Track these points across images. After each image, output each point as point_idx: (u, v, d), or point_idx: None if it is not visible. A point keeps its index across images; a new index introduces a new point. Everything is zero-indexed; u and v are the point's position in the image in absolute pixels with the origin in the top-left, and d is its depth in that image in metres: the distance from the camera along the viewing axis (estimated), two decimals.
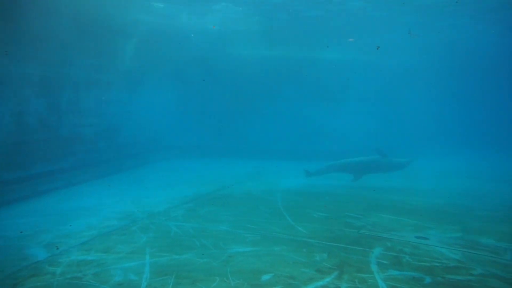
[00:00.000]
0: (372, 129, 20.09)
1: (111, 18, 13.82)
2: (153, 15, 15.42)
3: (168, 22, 16.15)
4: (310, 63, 20.25)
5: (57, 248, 6.29)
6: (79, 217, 8.21)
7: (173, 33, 17.17)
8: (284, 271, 5.34)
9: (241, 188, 11.53)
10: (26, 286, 4.90)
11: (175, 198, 10.02)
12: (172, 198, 10.08)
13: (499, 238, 6.92)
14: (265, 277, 5.12)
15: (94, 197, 10.16)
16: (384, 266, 5.52)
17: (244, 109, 20.01)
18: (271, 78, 19.76)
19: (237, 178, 13.15)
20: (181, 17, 15.58)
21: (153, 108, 17.09)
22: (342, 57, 20.97)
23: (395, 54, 21.15)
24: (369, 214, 8.53)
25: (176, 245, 6.47)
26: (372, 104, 21.37)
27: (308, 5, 14.20)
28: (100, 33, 13.52)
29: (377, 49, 16.10)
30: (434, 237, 6.92)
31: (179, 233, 7.09)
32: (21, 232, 7.16)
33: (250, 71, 18.92)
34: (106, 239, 6.77)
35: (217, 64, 19.22)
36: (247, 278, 5.10)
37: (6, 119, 9.78)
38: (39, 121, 10.92)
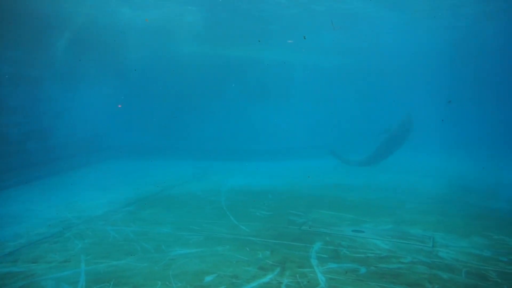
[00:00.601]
0: (314, 127, 20.85)
1: (42, 7, 12.81)
2: (92, 8, 14.56)
3: (108, 15, 15.33)
4: (253, 63, 20.50)
5: None
6: (4, 226, 7.52)
7: (114, 27, 16.36)
8: (227, 270, 5.34)
9: (185, 189, 11.33)
10: None
11: (114, 201, 9.57)
12: (112, 201, 9.62)
13: (425, 228, 7.55)
14: (208, 278, 5.08)
15: (22, 203, 9.37)
16: (324, 260, 5.76)
17: (189, 108, 19.69)
18: (216, 76, 19.67)
19: (182, 179, 12.91)
20: (123, 11, 14.86)
21: (91, 106, 16.14)
22: (283, 58, 21.47)
23: (332, 54, 22.11)
24: (310, 211, 8.84)
25: (115, 250, 6.19)
26: (314, 102, 22.17)
27: (253, 4, 14.35)
28: (28, 23, 12.47)
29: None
30: (369, 230, 7.36)
31: (118, 238, 6.78)
32: None
33: (194, 69, 18.66)
34: (35, 248, 6.28)
35: (160, 60, 18.69)
36: (190, 280, 5.03)
37: None
38: None
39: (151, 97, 19.33)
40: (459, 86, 25.21)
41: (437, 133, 22.02)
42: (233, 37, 18.80)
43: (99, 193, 10.66)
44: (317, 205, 9.37)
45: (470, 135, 22.81)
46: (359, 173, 14.46)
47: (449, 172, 14.81)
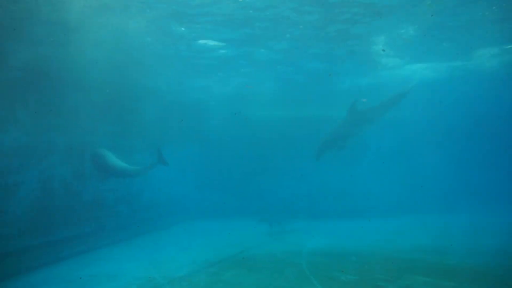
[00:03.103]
0: (392, 185, 19.69)
1: (132, 87, 14.69)
2: (180, 85, 16.32)
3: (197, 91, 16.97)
4: (325, 122, 20.59)
5: None
6: (100, 284, 7.99)
7: (192, 100, 18.04)
8: None
9: (264, 250, 11.13)
10: None
11: (196, 262, 9.71)
12: (194, 261, 9.77)
13: None
14: None
15: (114, 262, 9.96)
16: None
17: (264, 168, 20.07)
18: (290, 137, 20.05)
19: (260, 239, 12.76)
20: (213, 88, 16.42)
21: (171, 171, 17.34)
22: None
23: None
24: (401, 276, 8.00)
25: None
26: (391, 159, 21.16)
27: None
28: (124, 102, 14.30)
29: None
30: None
31: None
32: None
33: (267, 131, 19.32)
34: None
35: (234, 124, 19.79)
36: None
37: (33, 185, 10.05)
38: (63, 187, 11.17)
39: (228, 159, 20.20)
40: None
41: None
42: (305, 98, 19.37)
43: (182, 253, 10.94)
44: (409, 270, 8.46)
45: None
46: (458, 232, 12.97)
47: None
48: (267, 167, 20.17)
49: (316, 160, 12.27)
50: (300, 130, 20.05)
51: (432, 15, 10.74)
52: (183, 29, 10.63)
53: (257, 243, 12.14)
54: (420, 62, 15.01)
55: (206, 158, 20.17)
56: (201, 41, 11.27)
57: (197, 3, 9.31)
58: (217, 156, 20.32)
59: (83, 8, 8.68)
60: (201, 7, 9.48)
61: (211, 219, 17.58)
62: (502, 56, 15.53)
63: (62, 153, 11.15)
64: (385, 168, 20.52)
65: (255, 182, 20.02)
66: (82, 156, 11.96)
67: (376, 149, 21.00)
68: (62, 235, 10.91)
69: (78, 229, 11.56)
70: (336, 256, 10.08)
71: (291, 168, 20.21)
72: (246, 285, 7.57)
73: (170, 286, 7.68)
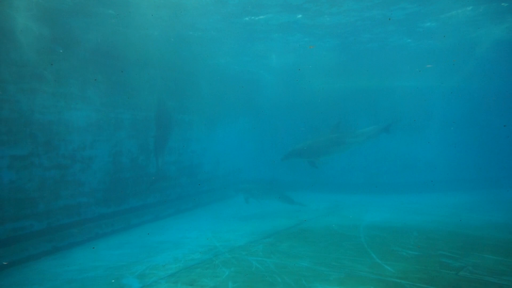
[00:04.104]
0: (458, 158, 18.42)
1: (191, 63, 15.08)
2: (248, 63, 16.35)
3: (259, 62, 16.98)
4: (385, 92, 19.57)
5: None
6: (165, 250, 8.62)
7: (248, 72, 18.09)
8: None
9: (320, 222, 11.18)
10: None
11: (254, 233, 10.05)
12: (251, 232, 10.13)
13: None
14: None
15: (178, 231, 10.66)
16: None
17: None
18: (347, 109, 19.45)
19: (316, 213, 12.81)
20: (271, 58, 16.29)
21: (228, 144, 17.80)
22: (420, 84, 19.90)
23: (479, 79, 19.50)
24: (468, 253, 7.60)
25: (258, 281, 6.40)
26: (456, 131, 19.68)
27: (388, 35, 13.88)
28: (182, 77, 14.79)
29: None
30: None
31: (260, 269, 7.02)
32: (118, 262, 7.73)
33: (324, 102, 18.88)
34: (191, 272, 6.97)
35: (291, 97, 19.61)
36: None
37: (105, 159, 10.95)
38: (131, 160, 12.02)
39: (282, 132, 20.22)
40: None
41: None
42: (364, 69, 18.48)
43: (240, 224, 11.38)
44: (477, 248, 8.01)
45: None
46: None
47: None
48: None
49: (281, 160, 12.10)
50: (357, 102, 19.36)
51: None
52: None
53: (314, 216, 12.20)
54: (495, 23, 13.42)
55: (262, 131, 20.39)
56: (262, 16, 11.05)
57: None
58: (273, 128, 20.43)
59: None
60: None
61: None
62: None
63: (128, 128, 11.93)
64: (453, 138, 19.18)
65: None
66: (147, 131, 12.70)
67: (441, 117, 19.63)
68: (131, 204, 11.87)
69: (144, 200, 12.48)
70: (396, 230, 9.82)
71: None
72: (302, 256, 7.70)
73: (230, 254, 8.07)
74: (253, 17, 11.29)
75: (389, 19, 11.78)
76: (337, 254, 7.83)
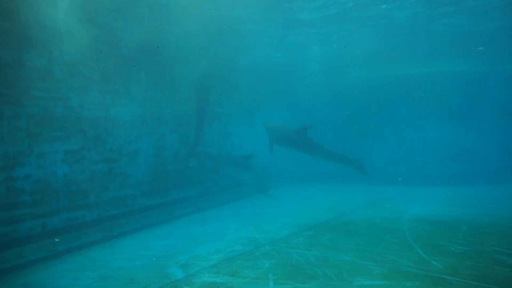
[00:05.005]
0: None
1: (231, 56, 15.21)
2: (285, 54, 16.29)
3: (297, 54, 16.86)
4: (429, 79, 18.61)
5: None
6: (207, 241, 8.85)
7: (290, 63, 17.93)
8: None
9: (361, 215, 10.94)
10: None
11: (293, 225, 10.04)
12: (291, 224, 10.12)
13: None
14: None
15: (219, 222, 10.88)
16: None
17: (360, 131, 19.35)
18: (388, 97, 18.76)
19: (356, 205, 12.55)
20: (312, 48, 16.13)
21: (265, 137, 17.81)
22: (468, 69, 18.70)
23: None
24: None
25: (299, 273, 6.40)
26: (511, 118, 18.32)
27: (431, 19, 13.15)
28: (221, 71, 14.95)
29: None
30: None
31: (300, 261, 7.01)
32: (162, 252, 8.06)
33: (365, 91, 18.34)
34: (232, 263, 7.11)
35: (330, 86, 19.25)
36: None
37: (149, 152, 11.38)
38: (173, 154, 12.40)
39: (321, 123, 19.93)
40: None
41: None
42: (405, 56, 17.70)
43: (280, 216, 11.40)
44: None
45: None
46: None
47: None
48: (363, 131, 19.36)
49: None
50: (399, 90, 18.60)
51: None
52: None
53: (354, 209, 11.96)
54: None
55: (300, 123, 20.19)
56: (303, 14, 10.89)
57: None
58: (311, 120, 20.18)
59: None
60: None
61: (308, 184, 17.76)
62: None
63: (170, 123, 12.30)
64: (508, 125, 17.90)
65: (351, 147, 19.47)
66: (187, 125, 13.02)
67: (494, 103, 18.34)
68: (174, 197, 12.28)
69: (186, 192, 12.85)
70: (443, 224, 9.38)
71: (389, 130, 19.05)
72: (344, 250, 7.59)
73: (270, 246, 8.12)
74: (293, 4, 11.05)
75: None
76: (380, 248, 7.63)
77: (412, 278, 5.95)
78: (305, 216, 11.14)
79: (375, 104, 18.74)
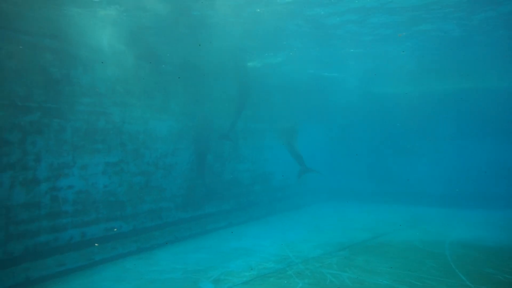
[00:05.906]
0: None
1: (265, 71, 15.33)
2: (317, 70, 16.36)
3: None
4: (469, 95, 17.78)
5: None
6: (239, 257, 8.80)
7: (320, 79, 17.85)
8: None
9: (398, 236, 10.48)
10: None
11: (328, 244, 9.78)
12: (325, 243, 9.87)
13: None
14: None
15: (251, 238, 10.80)
16: None
17: (396, 149, 18.78)
18: (425, 114, 18.11)
19: (393, 226, 12.06)
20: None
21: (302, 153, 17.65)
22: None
23: None
24: None
25: None
26: None
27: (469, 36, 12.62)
28: (255, 86, 15.07)
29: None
30: None
31: (335, 283, 6.79)
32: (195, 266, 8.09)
33: (399, 108, 17.81)
34: (264, 281, 7.01)
35: (364, 104, 18.89)
36: None
37: (184, 166, 11.60)
38: (207, 168, 12.55)
39: (357, 140, 19.51)
40: None
41: None
42: (445, 70, 17.04)
43: (313, 234, 11.16)
44: None
45: None
46: None
47: None
48: (402, 149, 18.77)
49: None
50: (436, 106, 17.92)
51: None
52: (321, 12, 10.31)
53: (391, 229, 11.50)
54: None
55: (335, 140, 19.90)
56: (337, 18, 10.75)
57: None
58: (346, 137, 19.82)
59: (223, 7, 9.31)
60: None
61: (342, 202, 17.37)
62: None
63: (205, 137, 12.49)
64: None
65: (387, 165, 18.89)
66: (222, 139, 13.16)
67: None
68: (207, 211, 12.37)
69: (219, 206, 12.92)
70: (490, 250, 8.79)
71: (426, 149, 18.35)
72: (380, 273, 7.28)
73: (303, 265, 7.94)
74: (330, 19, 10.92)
75: None
76: (420, 272, 7.25)
77: None
78: (339, 235, 10.84)
79: (412, 121, 18.15)
